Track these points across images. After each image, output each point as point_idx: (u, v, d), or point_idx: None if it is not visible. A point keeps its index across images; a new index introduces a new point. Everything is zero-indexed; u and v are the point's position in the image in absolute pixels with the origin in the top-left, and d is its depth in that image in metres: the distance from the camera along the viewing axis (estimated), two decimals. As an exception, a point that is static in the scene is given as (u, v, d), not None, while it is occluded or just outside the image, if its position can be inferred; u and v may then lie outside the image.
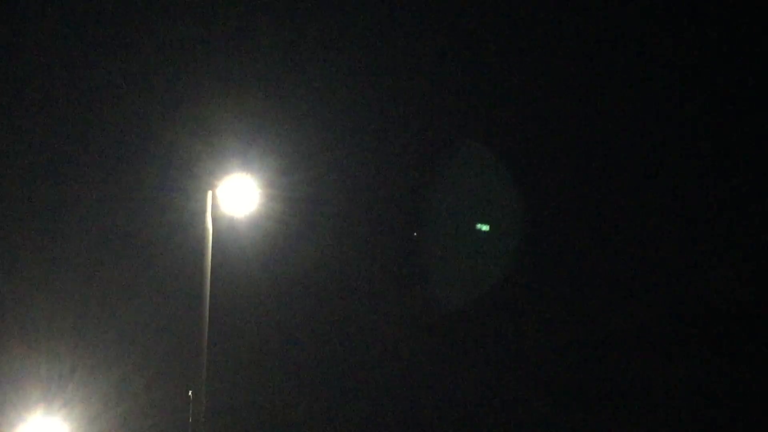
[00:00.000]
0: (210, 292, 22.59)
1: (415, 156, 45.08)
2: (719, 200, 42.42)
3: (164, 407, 31.22)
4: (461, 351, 40.73)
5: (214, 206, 22.75)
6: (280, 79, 44.44)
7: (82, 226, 39.88)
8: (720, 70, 44.60)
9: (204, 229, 22.67)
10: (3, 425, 26.25)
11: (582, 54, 45.59)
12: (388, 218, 44.32)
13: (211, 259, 22.68)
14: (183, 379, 25.64)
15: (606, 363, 38.11)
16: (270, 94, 43.70)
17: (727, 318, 40.21)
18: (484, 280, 42.73)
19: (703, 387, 36.14)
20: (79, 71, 43.98)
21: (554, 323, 40.49)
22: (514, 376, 38.00)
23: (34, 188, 40.97)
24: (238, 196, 22.80)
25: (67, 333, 35.47)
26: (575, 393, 36.00)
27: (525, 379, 37.74)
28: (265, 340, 39.44)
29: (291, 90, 44.36)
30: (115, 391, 32.68)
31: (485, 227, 43.16)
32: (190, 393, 22.45)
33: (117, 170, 40.77)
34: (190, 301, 23.52)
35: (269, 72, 44.48)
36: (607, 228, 42.82)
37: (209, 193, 22.69)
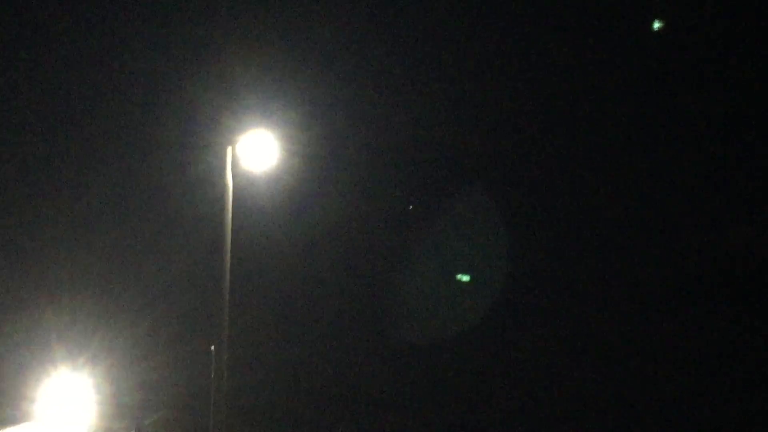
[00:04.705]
0: (230, 247, 22.69)
1: (434, 112, 44.94)
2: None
3: (186, 362, 31.47)
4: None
5: (234, 162, 22.77)
6: (300, 35, 44.32)
7: (102, 182, 40.07)
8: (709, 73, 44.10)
9: (224, 184, 22.72)
10: (29, 381, 26.54)
11: (569, 82, 45.26)
12: (409, 173, 44.26)
13: (231, 215, 22.75)
14: (204, 334, 25.83)
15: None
16: (290, 49, 43.60)
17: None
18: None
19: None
20: (102, 29, 44.01)
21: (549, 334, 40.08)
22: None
23: (55, 147, 41.17)
24: (257, 151, 22.81)
25: (90, 289, 35.75)
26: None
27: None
28: (286, 294, 39.61)
29: (311, 46, 44.23)
30: (138, 346, 32.96)
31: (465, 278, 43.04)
32: (212, 347, 22.63)
33: (138, 127, 40.89)
34: (211, 256, 23.64)
35: (289, 28, 44.35)
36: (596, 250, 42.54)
37: (229, 149, 22.70)
